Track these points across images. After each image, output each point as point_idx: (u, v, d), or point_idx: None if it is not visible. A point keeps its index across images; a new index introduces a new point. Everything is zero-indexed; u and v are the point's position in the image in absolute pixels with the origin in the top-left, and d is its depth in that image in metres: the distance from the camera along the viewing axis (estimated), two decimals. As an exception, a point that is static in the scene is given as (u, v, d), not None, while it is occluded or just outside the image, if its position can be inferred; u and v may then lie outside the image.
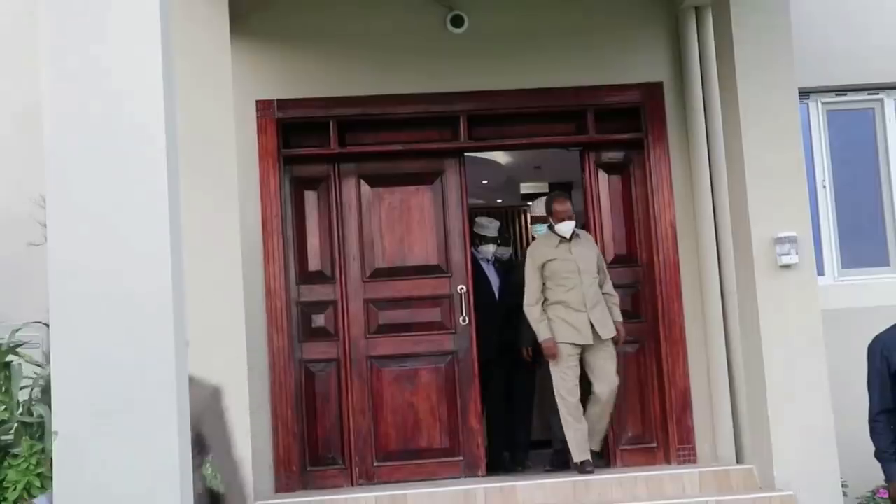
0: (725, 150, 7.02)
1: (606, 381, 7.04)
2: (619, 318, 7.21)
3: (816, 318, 6.57)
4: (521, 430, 7.91)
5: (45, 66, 4.35)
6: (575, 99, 7.51)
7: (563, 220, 7.21)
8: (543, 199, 7.73)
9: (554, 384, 7.10)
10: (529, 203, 9.26)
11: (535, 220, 7.91)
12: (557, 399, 7.07)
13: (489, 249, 7.93)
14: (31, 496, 4.55)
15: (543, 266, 7.15)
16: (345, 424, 7.29)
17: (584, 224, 7.67)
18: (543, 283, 7.15)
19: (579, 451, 6.94)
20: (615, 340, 7.15)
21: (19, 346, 4.98)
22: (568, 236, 7.18)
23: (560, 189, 11.05)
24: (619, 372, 7.14)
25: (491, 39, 7.47)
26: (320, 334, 7.39)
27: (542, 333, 7.09)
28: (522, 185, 11.48)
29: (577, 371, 7.06)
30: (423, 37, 7.45)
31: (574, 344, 7.04)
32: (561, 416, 7.06)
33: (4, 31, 7.17)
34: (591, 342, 7.04)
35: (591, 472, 6.81)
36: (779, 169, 6.62)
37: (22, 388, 4.99)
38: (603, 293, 7.19)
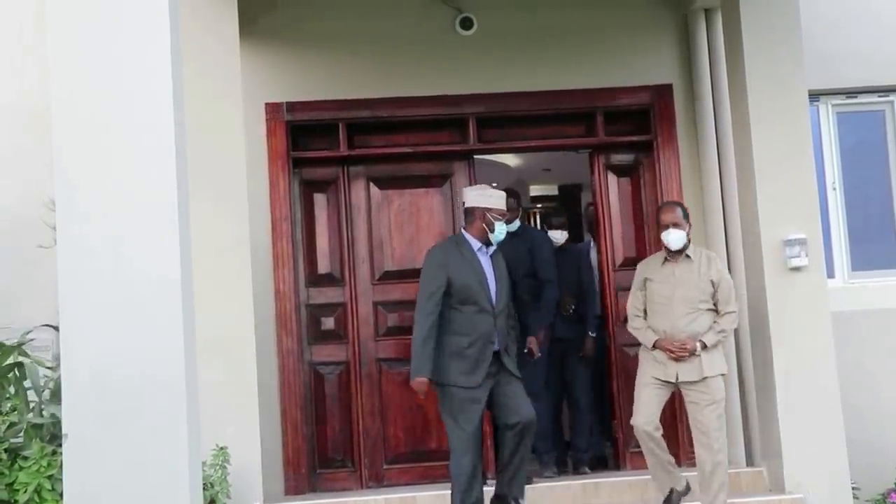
0: (735, 153, 7.01)
1: (697, 426, 6.08)
2: (709, 342, 6.05)
3: (826, 321, 6.56)
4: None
5: (54, 69, 4.38)
6: (584, 101, 7.50)
7: (666, 229, 6.20)
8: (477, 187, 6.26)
9: None
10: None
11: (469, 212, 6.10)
12: None
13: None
14: (42, 499, 4.56)
15: (645, 283, 6.27)
16: (354, 427, 7.29)
17: (589, 224, 7.41)
18: (645, 306, 6.27)
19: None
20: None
21: (24, 343, 4.99)
22: (672, 248, 6.17)
23: (570, 190, 11.11)
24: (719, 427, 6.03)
25: (500, 42, 7.47)
26: (329, 336, 7.39)
27: (647, 340, 6.18)
28: (532, 187, 11.48)
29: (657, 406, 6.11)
30: (432, 39, 7.45)
31: (657, 379, 6.12)
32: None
33: (14, 34, 7.19)
34: (672, 380, 6.08)
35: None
36: (789, 171, 6.61)
37: (31, 389, 5.01)
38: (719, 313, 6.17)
